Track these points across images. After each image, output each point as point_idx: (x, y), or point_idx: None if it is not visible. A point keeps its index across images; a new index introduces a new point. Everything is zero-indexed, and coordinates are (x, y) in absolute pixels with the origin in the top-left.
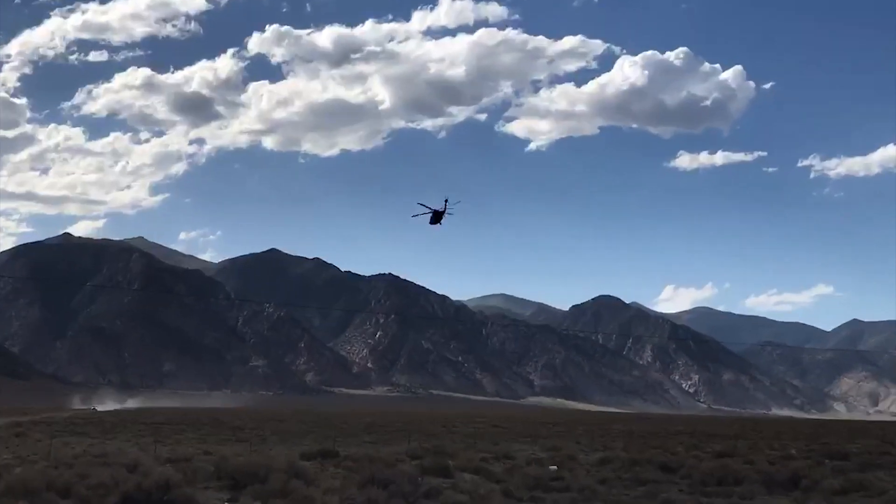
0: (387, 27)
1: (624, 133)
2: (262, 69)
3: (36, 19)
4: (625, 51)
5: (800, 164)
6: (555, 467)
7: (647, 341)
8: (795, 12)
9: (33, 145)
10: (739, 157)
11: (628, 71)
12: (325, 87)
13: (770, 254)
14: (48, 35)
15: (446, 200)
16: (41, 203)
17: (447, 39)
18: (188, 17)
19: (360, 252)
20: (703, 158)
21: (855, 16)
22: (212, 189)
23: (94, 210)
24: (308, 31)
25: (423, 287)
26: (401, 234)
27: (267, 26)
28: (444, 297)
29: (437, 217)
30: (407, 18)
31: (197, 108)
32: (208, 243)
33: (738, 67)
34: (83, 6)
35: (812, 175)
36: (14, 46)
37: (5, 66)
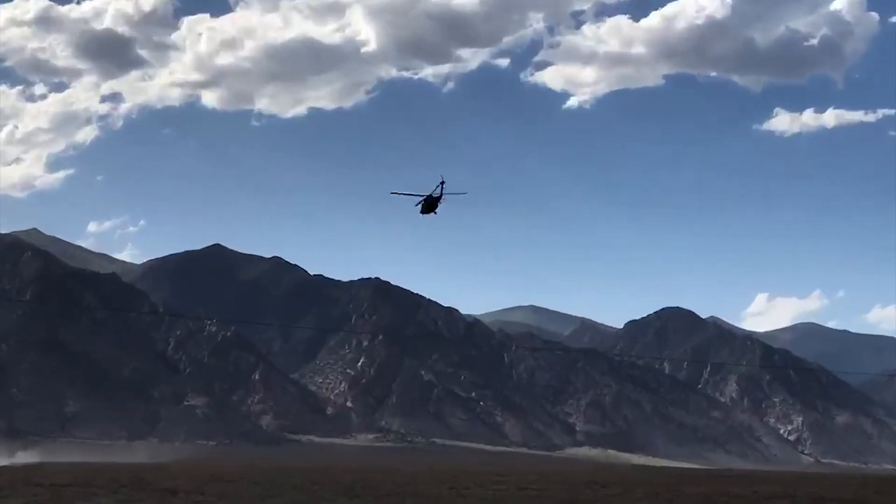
0: None
1: (699, 84)
2: None
3: None
4: None
5: None
6: None
7: (732, 370)
8: None
9: None
10: (857, 116)
11: None
12: (288, 21)
13: None
14: None
15: (442, 183)
16: None
17: None
18: None
19: (335, 249)
20: (808, 119)
21: None
22: (132, 163)
23: None
24: None
25: (421, 296)
26: (391, 226)
27: None
28: (452, 311)
29: (430, 204)
30: None
31: (111, 52)
32: (127, 238)
33: None
34: None
35: None
36: None
37: None
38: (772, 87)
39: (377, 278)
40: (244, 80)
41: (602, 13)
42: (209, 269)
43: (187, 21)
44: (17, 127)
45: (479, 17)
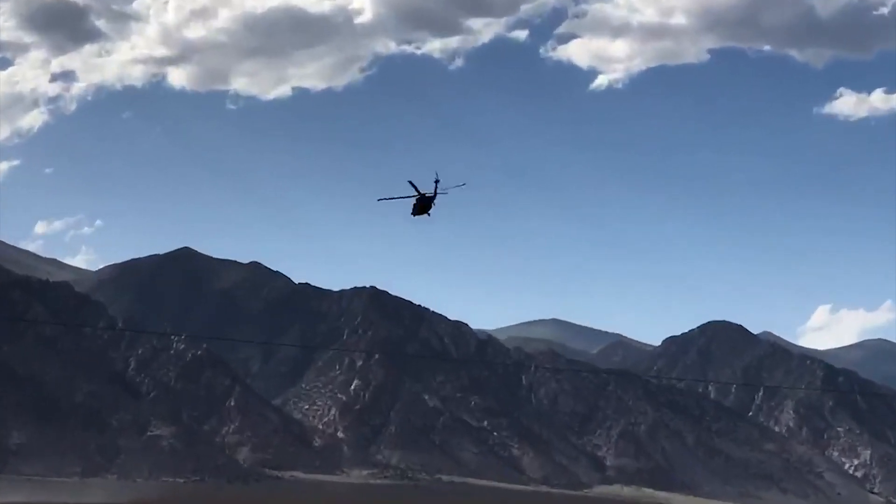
0: None
1: (749, 60)
2: None
3: None
4: None
5: None
6: None
7: (789, 395)
8: None
9: None
10: None
11: None
12: None
13: None
14: None
15: (436, 181)
16: None
17: None
18: None
19: (324, 253)
20: (877, 100)
21: None
22: (87, 153)
23: None
24: None
25: (425, 308)
26: (389, 228)
27: None
28: (460, 325)
29: (423, 204)
30: None
31: (63, 23)
32: (81, 240)
33: None
34: None
35: None
36: None
37: None
38: (835, 64)
39: (372, 287)
40: (218, 56)
41: None
42: (177, 276)
43: None
44: None
45: None
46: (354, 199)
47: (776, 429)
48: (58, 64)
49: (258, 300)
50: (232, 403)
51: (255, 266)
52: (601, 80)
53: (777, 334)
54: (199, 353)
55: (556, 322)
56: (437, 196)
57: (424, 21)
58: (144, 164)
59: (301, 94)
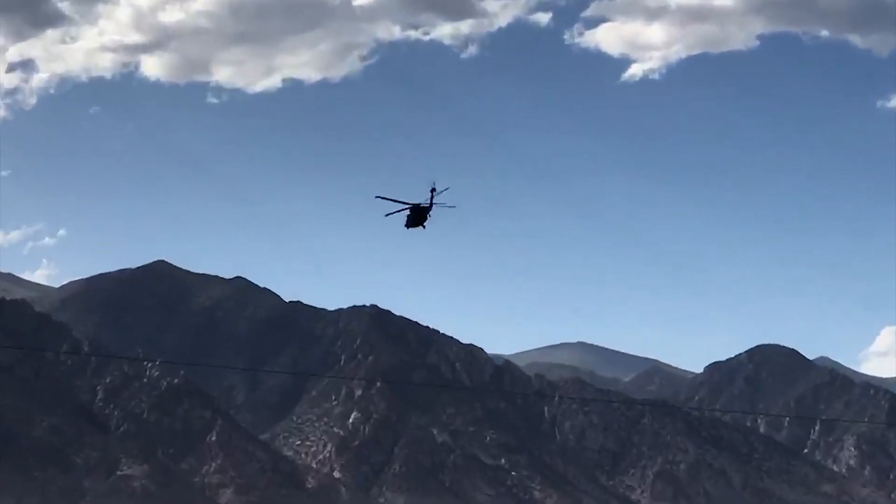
0: None
1: (805, 47)
2: None
3: None
4: None
5: None
6: None
7: (849, 429)
8: None
9: None
10: None
11: None
12: None
13: None
14: None
15: (433, 190)
16: None
17: None
18: None
19: (318, 268)
20: None
21: None
22: (49, 154)
23: None
24: None
25: (434, 330)
26: (392, 239)
27: None
28: (474, 350)
29: (416, 216)
30: None
31: (22, 5)
32: (42, 252)
33: None
34: None
35: None
36: None
37: None
38: None
39: (374, 306)
40: (198, 43)
41: None
42: (151, 294)
43: None
44: None
45: None
46: (353, 207)
47: (835, 468)
48: (16, 51)
49: (243, 321)
50: (213, 439)
51: (240, 282)
52: (634, 70)
53: (836, 360)
54: (176, 381)
55: (582, 346)
56: (434, 207)
57: (433, 2)
58: (114, 166)
59: (292, 86)
